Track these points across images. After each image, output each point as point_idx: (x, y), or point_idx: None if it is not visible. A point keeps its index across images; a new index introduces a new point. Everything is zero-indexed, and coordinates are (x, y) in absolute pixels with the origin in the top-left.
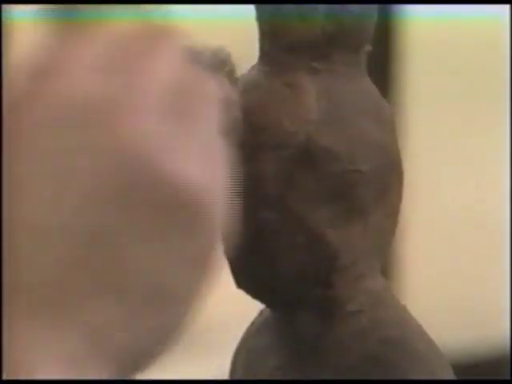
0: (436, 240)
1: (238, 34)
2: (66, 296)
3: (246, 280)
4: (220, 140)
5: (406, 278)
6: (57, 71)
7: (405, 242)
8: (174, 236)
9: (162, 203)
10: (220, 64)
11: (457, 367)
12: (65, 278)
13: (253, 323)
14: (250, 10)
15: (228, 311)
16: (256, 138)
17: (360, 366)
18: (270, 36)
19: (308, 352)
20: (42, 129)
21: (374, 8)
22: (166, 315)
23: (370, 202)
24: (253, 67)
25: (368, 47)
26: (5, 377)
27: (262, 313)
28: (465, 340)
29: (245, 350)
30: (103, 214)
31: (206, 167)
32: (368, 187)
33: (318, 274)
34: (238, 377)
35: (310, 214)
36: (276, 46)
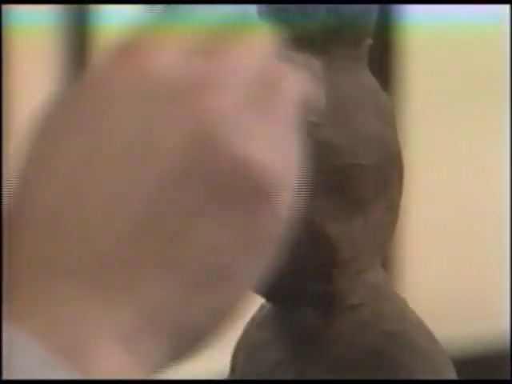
0: (436, 234)
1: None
2: (122, 273)
3: None
4: (295, 134)
5: (406, 272)
6: (144, 51)
7: (405, 236)
8: (236, 217)
9: (228, 184)
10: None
11: (457, 362)
12: (124, 254)
13: (253, 318)
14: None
15: None
16: None
17: (361, 360)
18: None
19: (309, 346)
20: (123, 100)
21: (374, 5)
22: (222, 294)
23: (371, 195)
24: None
25: (368, 41)
26: (5, 377)
27: (262, 307)
28: (464, 334)
29: (245, 345)
30: (169, 190)
31: (277, 156)
32: (369, 181)
33: (318, 268)
34: (239, 372)
35: (310, 208)
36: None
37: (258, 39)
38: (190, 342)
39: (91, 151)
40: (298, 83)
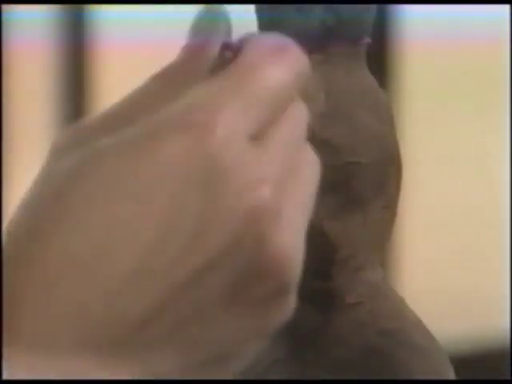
0: (434, 232)
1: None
2: (131, 341)
3: None
4: (308, 213)
5: (404, 269)
6: (209, 126)
7: (403, 235)
8: (255, 310)
9: (257, 280)
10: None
11: (457, 360)
12: (138, 325)
13: None
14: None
15: None
16: None
17: (359, 358)
18: (268, 28)
19: (307, 344)
20: (180, 171)
21: (373, 3)
22: (219, 370)
23: (369, 194)
24: None
25: (367, 39)
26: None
27: None
28: (464, 332)
29: None
30: (201, 272)
31: (296, 240)
32: (367, 179)
33: (317, 266)
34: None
35: None
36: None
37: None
38: None
39: (134, 212)
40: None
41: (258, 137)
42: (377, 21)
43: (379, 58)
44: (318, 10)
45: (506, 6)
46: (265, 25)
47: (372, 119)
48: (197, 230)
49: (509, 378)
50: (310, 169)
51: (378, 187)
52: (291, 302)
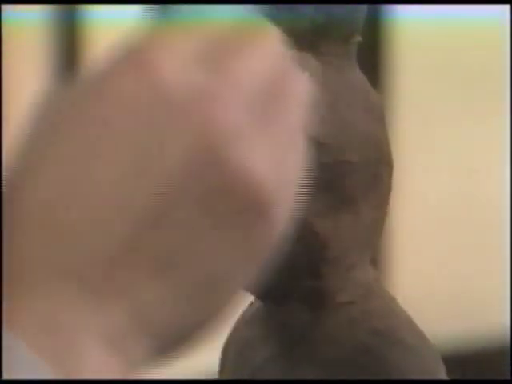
0: (433, 231)
1: None
2: (116, 275)
3: None
4: (300, 143)
5: (396, 269)
6: (153, 60)
7: (395, 233)
8: (233, 230)
9: (227, 196)
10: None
11: (456, 358)
12: (120, 257)
13: (242, 314)
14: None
15: None
16: None
17: (350, 357)
18: None
19: (298, 343)
20: (128, 110)
21: (363, 3)
22: (211, 300)
23: (360, 192)
24: None
25: (357, 38)
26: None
27: (251, 304)
28: (464, 331)
29: (234, 342)
30: (168, 198)
31: (278, 168)
32: (358, 178)
33: (307, 265)
34: (228, 368)
35: (299, 205)
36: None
37: (264, 39)
38: (175, 342)
39: (94, 153)
40: (303, 87)
41: (215, 66)
42: (369, 19)
43: (371, 57)
44: (308, 9)
45: (506, 6)
46: None
47: (362, 118)
48: (152, 155)
49: (509, 377)
50: (295, 89)
51: (368, 186)
52: (275, 227)
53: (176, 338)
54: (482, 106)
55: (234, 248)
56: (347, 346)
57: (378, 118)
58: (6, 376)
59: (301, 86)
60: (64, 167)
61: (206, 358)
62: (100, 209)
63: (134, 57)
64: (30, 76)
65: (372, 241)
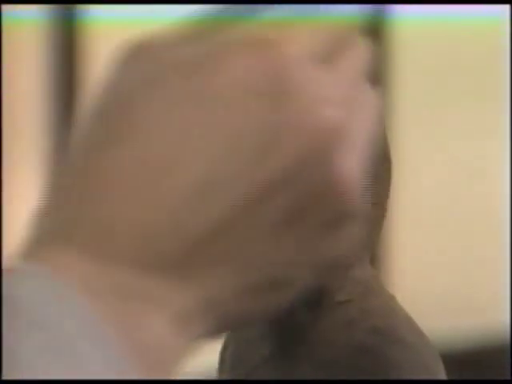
0: (433, 229)
1: None
2: (198, 258)
3: None
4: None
5: (395, 267)
6: (276, 44)
7: (394, 231)
8: (315, 240)
9: (319, 200)
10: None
11: (457, 356)
12: (201, 246)
13: None
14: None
15: None
16: None
17: (349, 356)
18: None
19: (296, 342)
20: (247, 93)
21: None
22: (272, 297)
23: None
24: None
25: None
26: (5, 377)
27: None
28: (464, 329)
29: (233, 341)
30: (267, 192)
31: (351, 117)
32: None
33: None
34: (227, 368)
35: None
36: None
37: (359, 40)
38: (230, 327)
39: (208, 127)
40: (378, 101)
41: (324, 61)
42: (371, 19)
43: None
44: (308, 3)
45: (506, 6)
46: None
47: None
48: (261, 146)
49: (509, 374)
50: (371, 101)
51: (368, 185)
52: (354, 234)
53: (232, 325)
54: (481, 105)
55: (310, 258)
56: (346, 344)
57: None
58: (5, 376)
59: (375, 100)
60: (172, 136)
61: (206, 358)
62: (192, 193)
63: (260, 39)
64: (30, 76)
65: (371, 239)
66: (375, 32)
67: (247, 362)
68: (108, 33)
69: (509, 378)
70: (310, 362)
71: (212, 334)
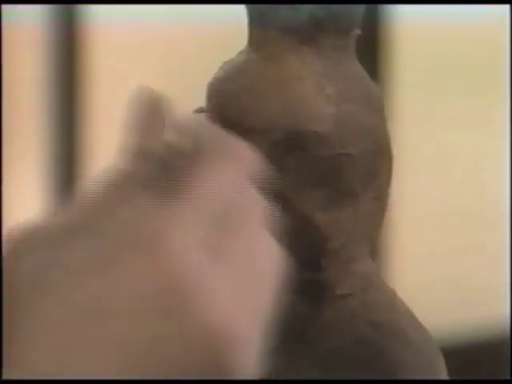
0: (434, 223)
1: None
2: None
3: None
4: (266, 289)
5: (396, 261)
6: (160, 243)
7: (395, 226)
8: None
9: (189, 345)
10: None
11: (456, 349)
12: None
13: None
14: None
15: None
16: (243, 123)
17: (349, 350)
18: (258, 21)
19: (298, 336)
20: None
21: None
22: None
23: (359, 185)
24: (241, 52)
25: (357, 31)
26: (5, 376)
27: None
28: (464, 322)
29: None
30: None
31: (243, 316)
32: (357, 171)
33: (307, 257)
34: None
35: (299, 198)
36: (264, 30)
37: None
38: None
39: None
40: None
41: (211, 246)
42: (371, 19)
43: (370, 49)
44: (307, 2)
45: (506, 6)
46: (255, 18)
47: (362, 110)
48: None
49: (509, 367)
50: (269, 263)
51: (369, 179)
52: (242, 365)
53: None
54: (481, 105)
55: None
56: (346, 338)
57: (377, 111)
58: (5, 376)
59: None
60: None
61: None
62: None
63: (146, 236)
64: (30, 76)
65: (372, 233)
66: (375, 32)
67: None
68: (108, 33)
69: (509, 371)
70: (311, 354)
71: None
